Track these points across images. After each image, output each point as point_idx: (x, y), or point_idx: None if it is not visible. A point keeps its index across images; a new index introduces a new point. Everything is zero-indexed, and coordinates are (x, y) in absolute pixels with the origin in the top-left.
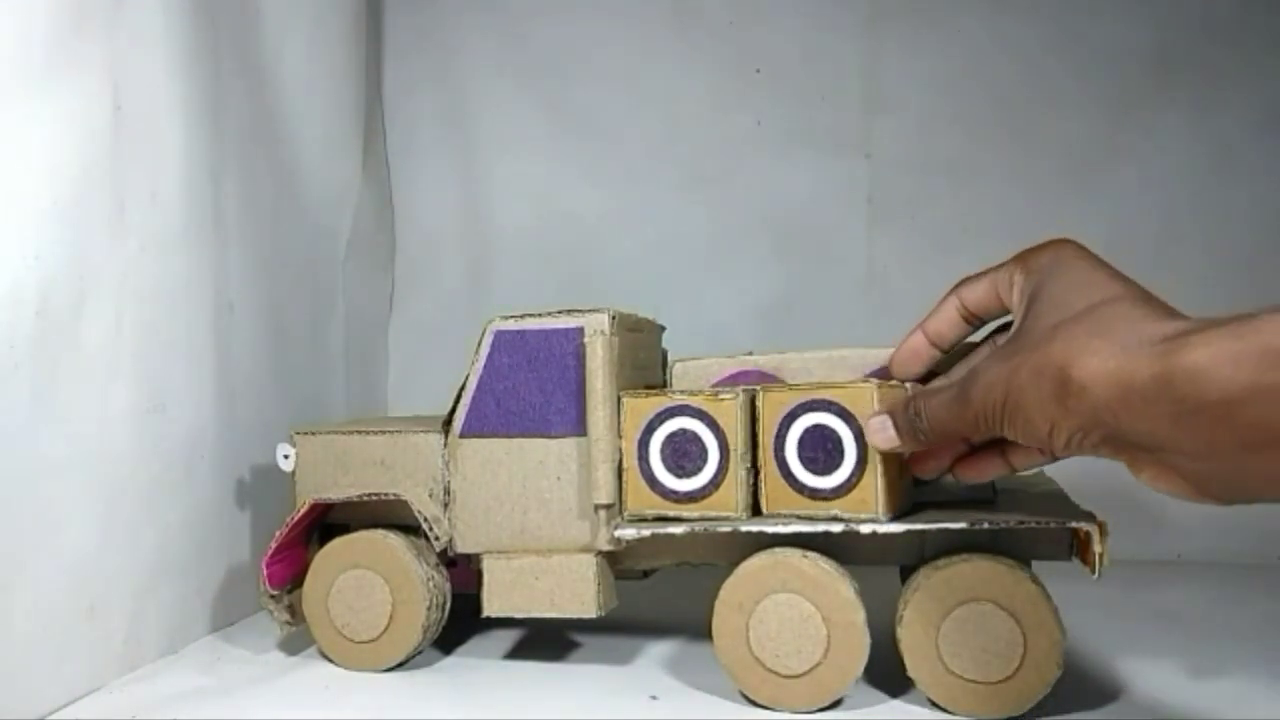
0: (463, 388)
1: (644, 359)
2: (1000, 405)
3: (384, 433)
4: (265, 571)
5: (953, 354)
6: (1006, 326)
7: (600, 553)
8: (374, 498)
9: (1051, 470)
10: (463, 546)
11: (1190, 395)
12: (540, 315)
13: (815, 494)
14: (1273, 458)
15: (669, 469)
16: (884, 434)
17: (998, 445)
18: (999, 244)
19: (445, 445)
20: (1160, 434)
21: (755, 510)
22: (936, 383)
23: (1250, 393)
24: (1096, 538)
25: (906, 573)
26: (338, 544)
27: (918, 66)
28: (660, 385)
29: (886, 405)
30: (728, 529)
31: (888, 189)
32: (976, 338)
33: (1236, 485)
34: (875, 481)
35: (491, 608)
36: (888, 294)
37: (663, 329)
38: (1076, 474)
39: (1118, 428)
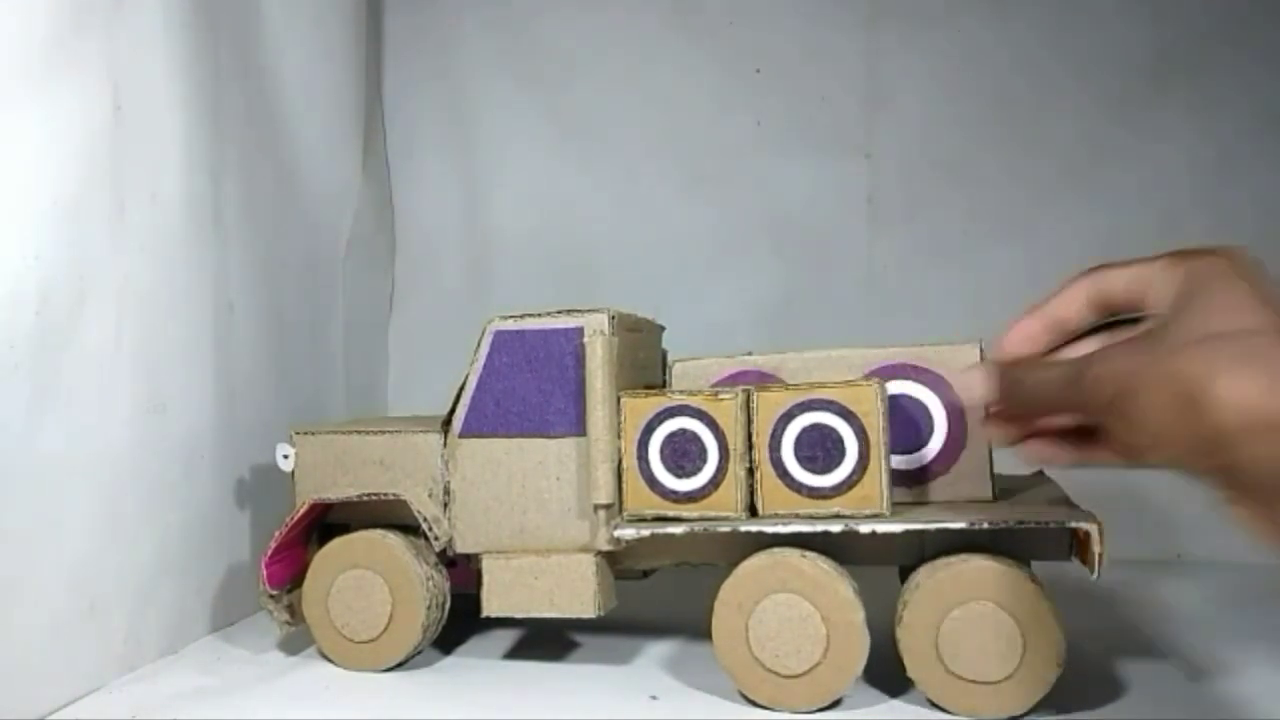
0: (462, 388)
1: (643, 359)
2: (1111, 398)
3: (383, 433)
4: (265, 571)
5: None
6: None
7: (599, 553)
8: (373, 498)
9: (1051, 470)
10: (462, 546)
11: None
12: (540, 315)
13: (815, 493)
14: None
15: (668, 469)
16: (979, 390)
17: (1075, 433)
18: (999, 244)
19: (445, 445)
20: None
21: (752, 511)
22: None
23: None
24: (1096, 537)
25: (906, 573)
26: (337, 544)
27: (918, 66)
28: (660, 385)
29: (996, 363)
30: (727, 529)
31: (888, 189)
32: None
33: None
34: (879, 477)
35: (491, 607)
36: (888, 294)
37: (662, 329)
38: (1076, 473)
39: (1236, 460)
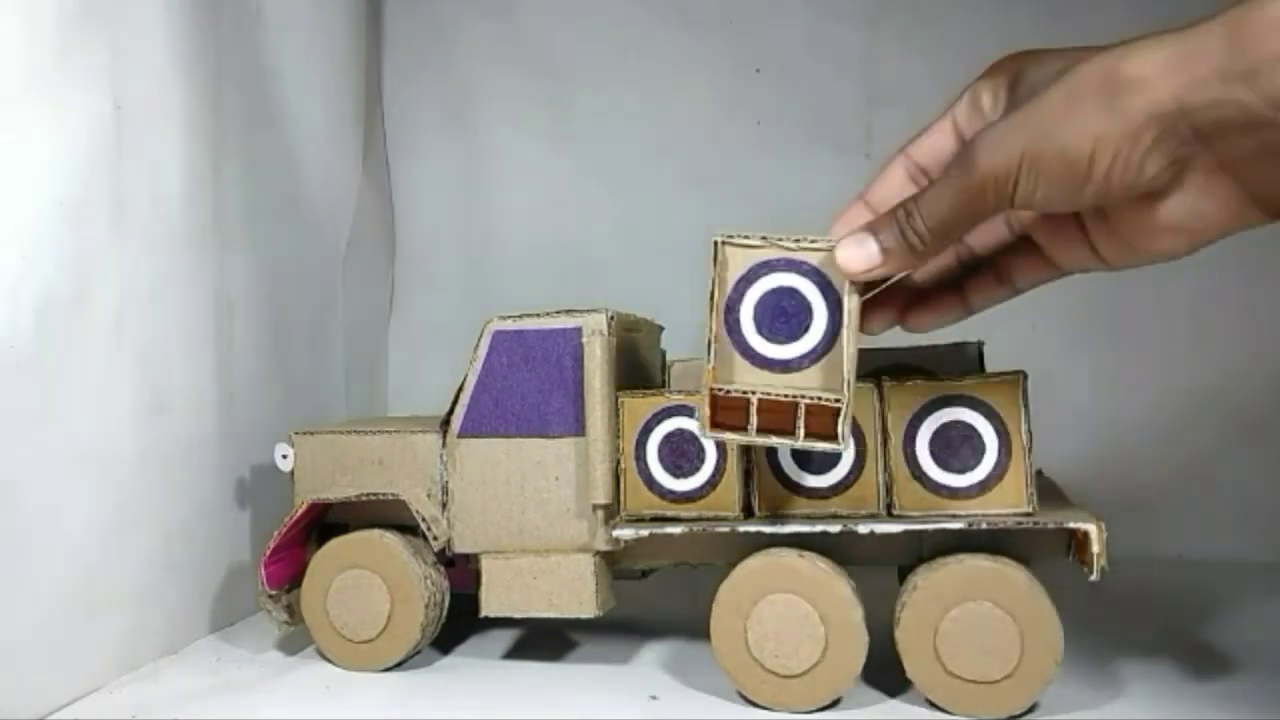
0: (461, 388)
1: (642, 359)
2: (1019, 154)
3: (382, 433)
4: (263, 572)
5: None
6: None
7: (598, 553)
8: (372, 498)
9: (1050, 470)
10: (461, 546)
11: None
12: (538, 315)
13: (812, 493)
14: None
15: (666, 469)
16: (862, 251)
17: (953, 287)
18: None
19: (443, 445)
20: (1235, 107)
21: (748, 511)
22: None
23: None
24: (1094, 537)
25: (904, 573)
26: (335, 544)
27: (918, 66)
28: (659, 385)
29: (865, 224)
30: (725, 529)
31: None
32: None
33: None
34: (876, 478)
35: (490, 607)
36: None
37: (661, 329)
38: (1076, 474)
39: (1180, 115)
